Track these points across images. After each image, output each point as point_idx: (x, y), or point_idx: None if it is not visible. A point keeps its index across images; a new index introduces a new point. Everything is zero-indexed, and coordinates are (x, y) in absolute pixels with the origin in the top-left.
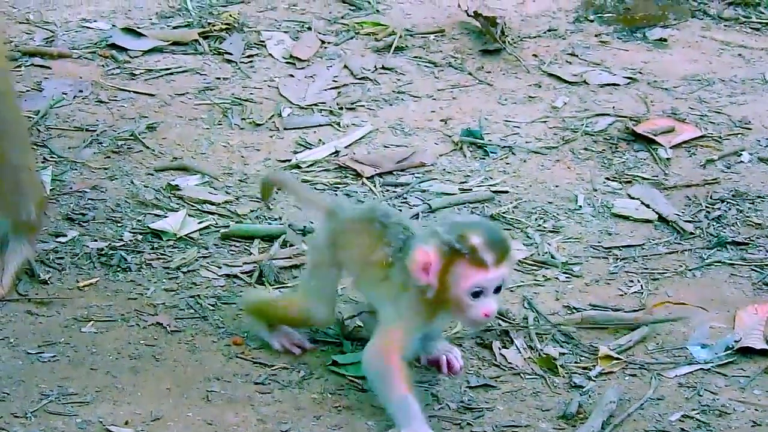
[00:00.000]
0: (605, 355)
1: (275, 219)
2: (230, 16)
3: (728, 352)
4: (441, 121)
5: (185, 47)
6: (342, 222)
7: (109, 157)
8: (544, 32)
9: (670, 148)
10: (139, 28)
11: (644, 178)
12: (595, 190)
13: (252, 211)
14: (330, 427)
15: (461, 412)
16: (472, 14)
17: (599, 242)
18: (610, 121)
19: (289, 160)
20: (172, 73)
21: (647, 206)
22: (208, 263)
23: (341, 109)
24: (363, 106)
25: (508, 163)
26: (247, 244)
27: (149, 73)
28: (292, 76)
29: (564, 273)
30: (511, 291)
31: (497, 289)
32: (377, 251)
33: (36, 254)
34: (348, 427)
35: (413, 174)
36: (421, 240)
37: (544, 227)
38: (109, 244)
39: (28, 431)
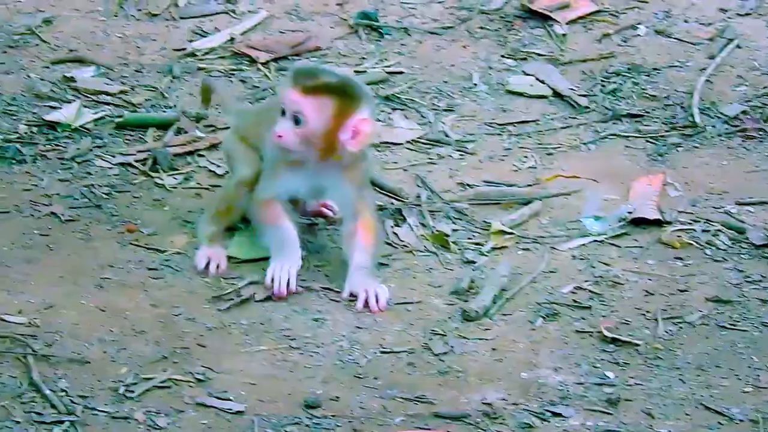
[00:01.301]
0: (497, 230)
1: (169, 107)
2: None
3: (621, 223)
4: (337, 5)
5: None
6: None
7: (5, 52)
8: None
9: (566, 24)
10: None
11: (540, 55)
12: (491, 68)
13: (147, 100)
14: (222, 310)
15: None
16: None
17: (494, 119)
18: (506, 0)
19: (185, 49)
20: None
21: (542, 82)
22: (102, 153)
23: None
24: None
25: (403, 45)
26: (142, 132)
27: None
28: None
29: (457, 151)
30: (405, 170)
31: (296, 120)
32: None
33: None
34: (243, 309)
35: (309, 58)
36: None
37: (439, 106)
38: (4, 137)
39: None
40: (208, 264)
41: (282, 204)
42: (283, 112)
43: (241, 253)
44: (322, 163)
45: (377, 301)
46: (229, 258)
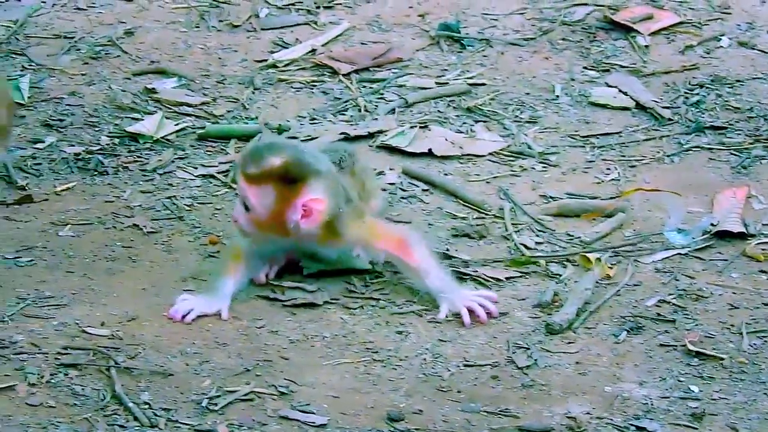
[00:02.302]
0: (581, 242)
1: (251, 118)
2: None
3: (705, 236)
4: (418, 16)
5: None
6: None
7: (87, 63)
8: None
9: (649, 35)
10: None
11: (622, 66)
12: (573, 80)
13: (228, 111)
14: (305, 321)
15: (434, 303)
16: None
17: (576, 131)
18: (588, 11)
19: (266, 60)
20: None
21: (625, 94)
22: (184, 164)
23: (318, 7)
24: (340, 3)
25: (485, 56)
26: (224, 144)
27: None
28: None
29: (541, 163)
30: (487, 182)
31: (245, 205)
32: None
33: (14, 160)
34: (325, 321)
35: (390, 70)
36: None
37: (521, 118)
38: (87, 148)
39: (6, 335)
40: None
41: (247, 258)
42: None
43: (313, 266)
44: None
45: (488, 313)
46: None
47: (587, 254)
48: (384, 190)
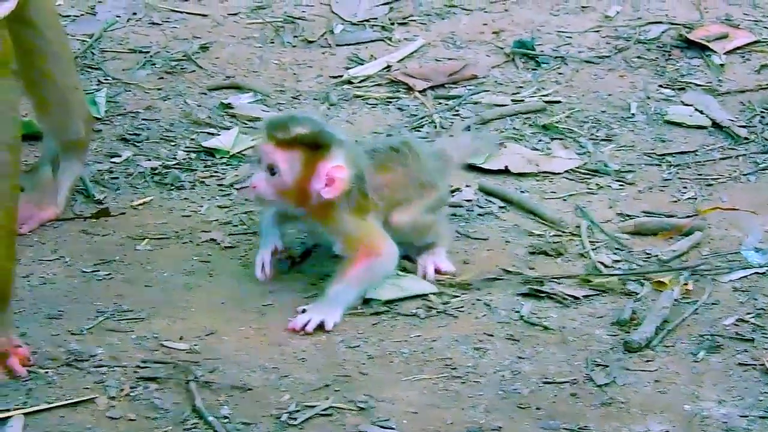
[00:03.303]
0: (658, 261)
1: None
2: None
3: None
4: (493, 33)
5: None
6: None
7: (162, 77)
8: None
9: (724, 54)
10: None
11: (698, 85)
12: (648, 98)
13: None
14: (383, 337)
15: (516, 321)
16: None
17: (652, 149)
18: (663, 29)
19: (341, 76)
20: None
21: (701, 112)
22: None
23: (393, 24)
24: (415, 20)
25: (560, 74)
26: None
27: None
28: None
29: (617, 181)
30: (564, 200)
31: (270, 170)
32: None
33: (91, 174)
34: (404, 338)
35: (465, 86)
36: None
37: (597, 136)
38: (163, 163)
39: (85, 347)
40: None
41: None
42: (260, 162)
43: (380, 295)
44: (300, 209)
45: (305, 326)
46: (370, 301)
47: (661, 278)
48: (460, 206)
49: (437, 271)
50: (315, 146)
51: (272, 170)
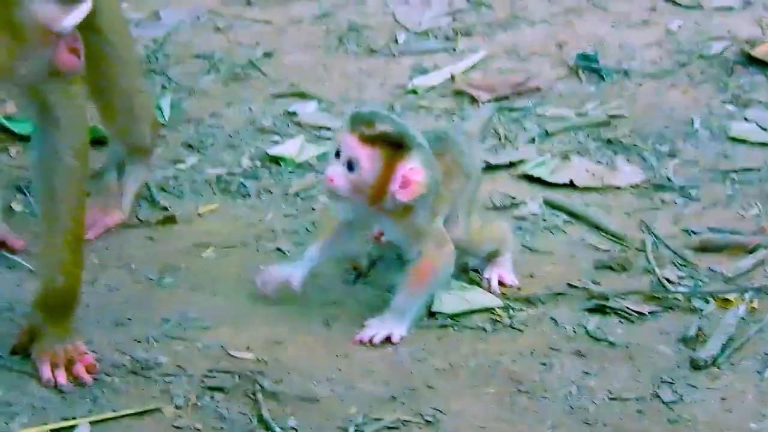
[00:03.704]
0: (723, 278)
1: None
2: None
3: None
4: (556, 45)
5: None
6: None
7: (227, 84)
8: None
9: None
10: None
11: (760, 102)
12: (712, 114)
13: None
14: (450, 350)
15: (582, 336)
16: None
17: (716, 165)
18: (725, 45)
19: (405, 86)
20: (287, 0)
21: (764, 129)
22: None
23: (456, 34)
24: (478, 31)
25: (623, 87)
26: None
27: (265, 1)
28: (407, 2)
29: (681, 196)
30: (628, 215)
31: (350, 165)
32: None
33: (156, 181)
34: (471, 351)
35: (529, 98)
36: None
37: (661, 151)
38: (228, 170)
39: (150, 355)
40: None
41: (338, 225)
42: (337, 155)
43: (447, 308)
44: (373, 208)
45: (372, 339)
46: (436, 314)
47: (725, 296)
48: (525, 219)
49: (501, 283)
50: (397, 146)
51: (351, 165)
